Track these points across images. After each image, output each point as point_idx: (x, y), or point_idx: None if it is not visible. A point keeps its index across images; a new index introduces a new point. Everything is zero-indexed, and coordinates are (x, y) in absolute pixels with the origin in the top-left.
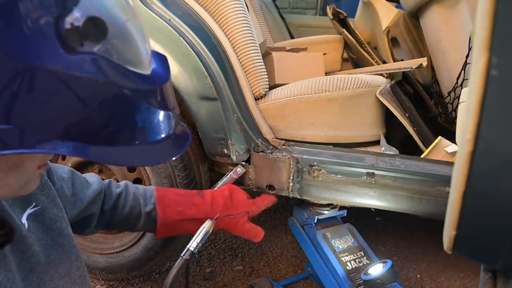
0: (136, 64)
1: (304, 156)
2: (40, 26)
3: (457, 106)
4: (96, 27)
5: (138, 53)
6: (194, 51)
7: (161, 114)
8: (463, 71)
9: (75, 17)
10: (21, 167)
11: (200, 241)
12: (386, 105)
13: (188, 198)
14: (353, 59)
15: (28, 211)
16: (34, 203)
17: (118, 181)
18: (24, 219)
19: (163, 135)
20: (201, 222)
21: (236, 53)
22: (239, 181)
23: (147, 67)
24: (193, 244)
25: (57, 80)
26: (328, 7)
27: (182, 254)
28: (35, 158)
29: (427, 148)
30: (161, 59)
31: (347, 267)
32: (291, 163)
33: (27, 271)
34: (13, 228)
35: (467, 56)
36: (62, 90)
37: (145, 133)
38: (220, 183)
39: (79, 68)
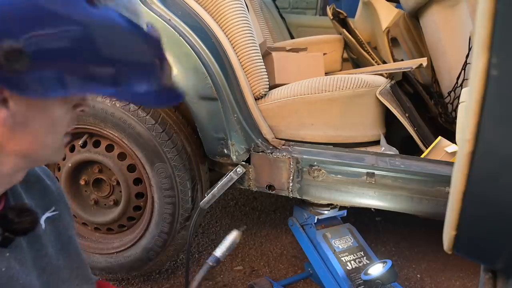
0: (139, 20)
1: (304, 156)
2: None
3: (457, 106)
4: None
5: (139, 11)
6: (194, 51)
7: (160, 62)
8: (463, 71)
9: None
10: (56, 127)
11: (226, 249)
12: (386, 105)
13: None
14: (353, 59)
15: (47, 214)
16: (53, 208)
17: (118, 181)
18: (42, 221)
19: (160, 82)
20: None
21: (236, 53)
22: (239, 181)
23: (144, 24)
24: (218, 251)
25: (80, 29)
26: (328, 7)
27: (208, 260)
28: (65, 120)
29: (427, 148)
30: (149, 25)
31: (347, 267)
32: (291, 163)
33: (40, 270)
34: (38, 218)
35: (467, 56)
36: (86, 38)
37: (148, 78)
38: (220, 183)
39: (100, 18)
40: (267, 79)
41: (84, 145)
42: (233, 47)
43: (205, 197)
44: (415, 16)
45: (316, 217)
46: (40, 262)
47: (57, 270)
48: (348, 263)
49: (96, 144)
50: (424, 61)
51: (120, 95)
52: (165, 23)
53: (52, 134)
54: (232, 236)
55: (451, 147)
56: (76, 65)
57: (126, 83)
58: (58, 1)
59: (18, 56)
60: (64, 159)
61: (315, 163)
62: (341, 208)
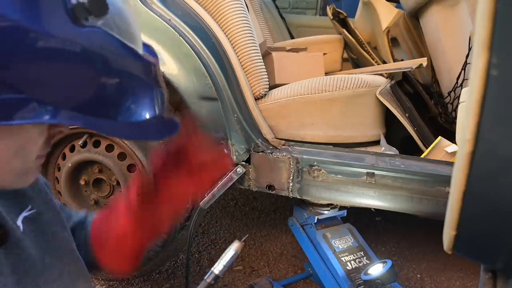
0: (133, 42)
1: (304, 156)
2: (51, 1)
3: (457, 106)
4: (99, 4)
5: (134, 31)
6: (194, 51)
7: (152, 91)
8: (463, 71)
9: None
10: (26, 150)
11: (227, 263)
12: (386, 105)
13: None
14: (353, 59)
15: (24, 214)
16: (29, 206)
17: (118, 181)
18: (19, 222)
19: (151, 113)
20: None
21: (236, 53)
22: (239, 181)
23: (140, 46)
24: (218, 267)
25: (66, 51)
26: (328, 7)
27: (206, 277)
28: (37, 143)
29: (427, 148)
30: (147, 47)
31: (347, 267)
32: (291, 163)
33: (22, 274)
34: (8, 230)
35: (467, 56)
36: (70, 60)
37: (138, 108)
38: (220, 183)
39: (86, 40)
40: (267, 79)
41: (84, 145)
42: (233, 47)
43: (205, 197)
44: (415, 16)
45: (316, 217)
46: (21, 266)
47: (45, 270)
48: (348, 263)
49: (96, 144)
50: (424, 61)
51: (105, 129)
52: (165, 23)
53: (21, 159)
54: (232, 251)
55: (451, 147)
56: (53, 90)
57: (112, 114)
58: (40, 21)
59: None
60: (64, 159)
61: (315, 163)
62: (341, 208)
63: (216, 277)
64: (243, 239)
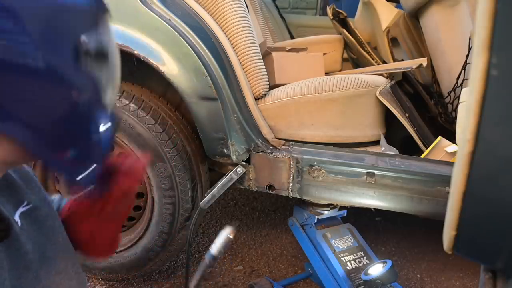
0: (107, 99)
1: (304, 156)
2: (63, 36)
3: (457, 106)
4: (103, 57)
5: (115, 90)
6: (194, 51)
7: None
8: (463, 71)
9: (90, 45)
10: None
11: (221, 245)
12: (386, 105)
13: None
14: (353, 59)
15: (21, 209)
16: (26, 202)
17: None
18: (16, 217)
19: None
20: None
21: (236, 53)
22: (239, 181)
23: (110, 108)
24: (213, 248)
25: (57, 80)
26: (328, 7)
27: (205, 258)
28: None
29: (427, 148)
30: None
31: (347, 267)
32: (291, 163)
33: (22, 269)
34: (11, 223)
35: (467, 56)
36: (55, 90)
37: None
38: (220, 183)
39: (78, 79)
40: (267, 79)
41: None
42: (233, 47)
43: (205, 197)
44: (415, 16)
45: (316, 217)
46: (21, 261)
47: (46, 264)
48: (348, 263)
49: None
50: (424, 61)
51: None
52: (165, 23)
53: None
54: (225, 232)
55: (451, 147)
56: None
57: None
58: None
59: None
60: None
61: (315, 163)
62: (341, 208)
63: (213, 257)
64: (234, 224)
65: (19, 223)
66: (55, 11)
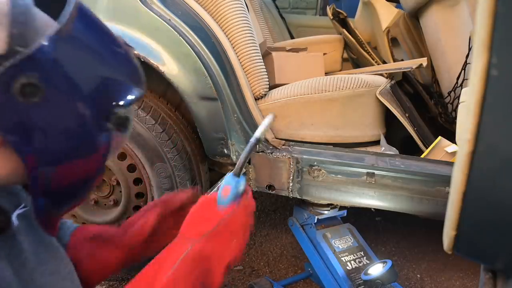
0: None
1: (304, 156)
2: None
3: (457, 106)
4: (127, 122)
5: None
6: (194, 51)
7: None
8: (463, 71)
9: (119, 114)
10: None
11: (264, 129)
12: (386, 105)
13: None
14: (353, 59)
15: (17, 211)
16: (23, 204)
17: (118, 181)
18: (13, 218)
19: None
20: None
21: (236, 53)
22: None
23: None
24: (257, 132)
25: (84, 132)
26: (328, 7)
27: (251, 139)
28: None
29: (427, 148)
30: None
31: (347, 267)
32: (291, 163)
33: (18, 266)
34: (11, 217)
35: (467, 56)
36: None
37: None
38: (219, 183)
39: (100, 137)
40: (267, 79)
41: None
42: (233, 47)
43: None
44: (415, 16)
45: (316, 217)
46: (17, 258)
47: (40, 265)
48: (348, 263)
49: None
50: (424, 61)
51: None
52: (165, 23)
53: None
54: (268, 119)
55: (451, 147)
56: None
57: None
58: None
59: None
60: None
61: (315, 163)
62: (341, 208)
63: (257, 139)
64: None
65: (16, 223)
66: (104, 80)
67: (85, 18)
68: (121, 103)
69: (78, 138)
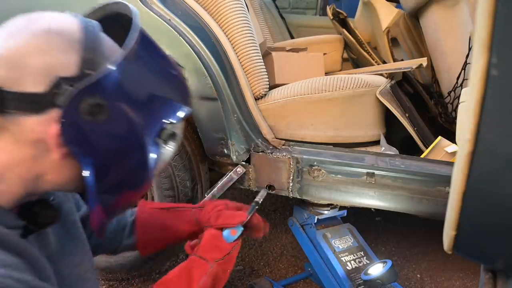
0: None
1: (304, 156)
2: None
3: (457, 106)
4: (175, 137)
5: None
6: (194, 51)
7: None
8: (463, 71)
9: (169, 131)
10: None
11: (261, 196)
12: (386, 105)
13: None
14: (353, 59)
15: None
16: (52, 197)
17: None
18: None
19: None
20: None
21: (236, 53)
22: (239, 181)
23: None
24: (257, 198)
25: (139, 145)
26: (328, 7)
27: (252, 203)
28: None
29: (427, 148)
30: None
31: (347, 267)
32: (291, 163)
33: (46, 257)
34: (60, 213)
35: (467, 56)
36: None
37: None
38: (220, 183)
39: (152, 150)
40: (267, 79)
41: None
42: (233, 47)
43: (205, 197)
44: (415, 16)
45: (316, 217)
46: (46, 250)
47: (65, 256)
48: (348, 263)
49: None
50: (424, 61)
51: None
52: (165, 23)
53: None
54: (263, 190)
55: (451, 147)
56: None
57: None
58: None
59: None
60: None
61: (315, 163)
62: (341, 208)
63: (257, 203)
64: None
65: None
66: (160, 99)
67: (146, 42)
68: (173, 120)
69: (135, 152)
